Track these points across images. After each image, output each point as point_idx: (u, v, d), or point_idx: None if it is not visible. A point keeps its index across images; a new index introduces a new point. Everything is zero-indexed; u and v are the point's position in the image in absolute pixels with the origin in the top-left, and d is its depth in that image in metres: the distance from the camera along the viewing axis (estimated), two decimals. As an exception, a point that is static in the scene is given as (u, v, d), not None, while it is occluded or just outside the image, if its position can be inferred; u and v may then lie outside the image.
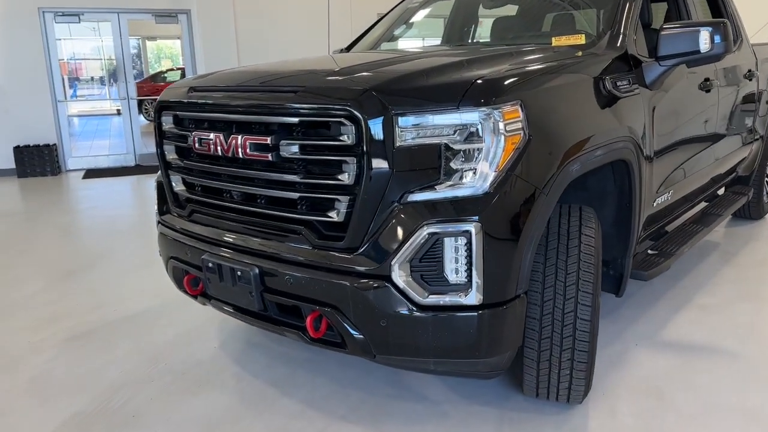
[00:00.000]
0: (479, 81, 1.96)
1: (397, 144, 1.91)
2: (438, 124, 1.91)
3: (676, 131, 3.07)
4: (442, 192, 1.92)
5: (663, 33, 2.68)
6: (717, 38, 2.63)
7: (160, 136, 2.61)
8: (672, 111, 2.99)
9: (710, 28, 2.63)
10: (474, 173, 1.92)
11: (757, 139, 4.55)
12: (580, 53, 2.59)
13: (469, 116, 1.91)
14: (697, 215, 3.84)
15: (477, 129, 1.92)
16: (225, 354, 3.00)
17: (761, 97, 4.40)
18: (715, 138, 3.64)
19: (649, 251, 3.19)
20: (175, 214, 2.62)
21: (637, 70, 2.69)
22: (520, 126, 1.97)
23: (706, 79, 3.35)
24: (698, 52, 2.64)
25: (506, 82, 2.01)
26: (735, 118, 3.92)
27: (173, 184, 2.61)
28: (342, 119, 1.93)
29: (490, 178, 1.92)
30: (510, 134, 1.94)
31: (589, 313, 2.15)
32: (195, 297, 2.56)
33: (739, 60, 3.97)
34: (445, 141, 1.91)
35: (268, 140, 2.08)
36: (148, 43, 19.15)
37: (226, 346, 3.07)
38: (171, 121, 2.54)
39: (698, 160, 3.45)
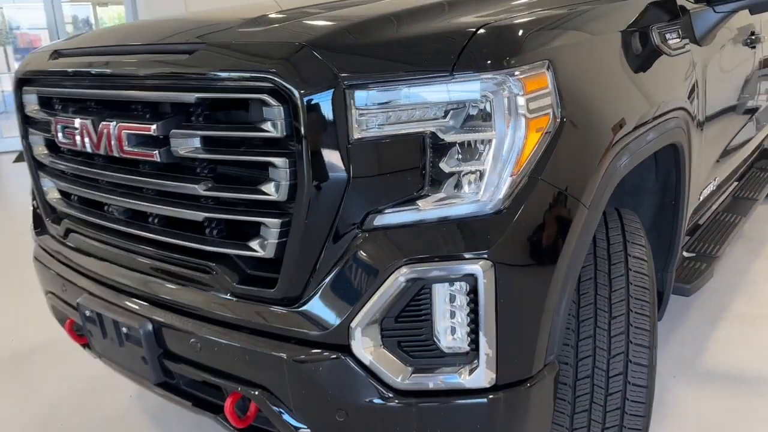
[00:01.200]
0: (484, 30, 1.21)
1: (355, 135, 1.17)
2: (419, 102, 1.18)
3: (726, 100, 2.38)
4: (429, 211, 1.19)
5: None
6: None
7: (24, 122, 1.83)
8: (722, 74, 2.29)
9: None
10: (479, 179, 1.20)
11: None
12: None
13: (470, 88, 1.17)
14: (728, 201, 3.18)
15: (483, 108, 1.19)
16: (142, 408, 2.28)
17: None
18: (755, 103, 2.97)
19: (685, 254, 2.53)
20: (51, 232, 1.86)
21: (684, 18, 1.97)
22: (549, 102, 1.24)
23: (752, 33, 2.66)
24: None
25: (527, 31, 1.27)
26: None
27: (45, 190, 1.84)
28: (263, 96, 1.18)
29: (505, 187, 1.20)
30: (534, 115, 1.22)
31: (644, 376, 1.47)
32: (84, 347, 1.82)
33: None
34: (432, 129, 1.18)
35: (152, 129, 1.32)
36: (99, 10, 17.81)
37: (144, 398, 2.34)
38: (35, 100, 1.76)
39: (743, 133, 2.78)
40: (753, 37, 2.63)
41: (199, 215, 1.34)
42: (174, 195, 1.39)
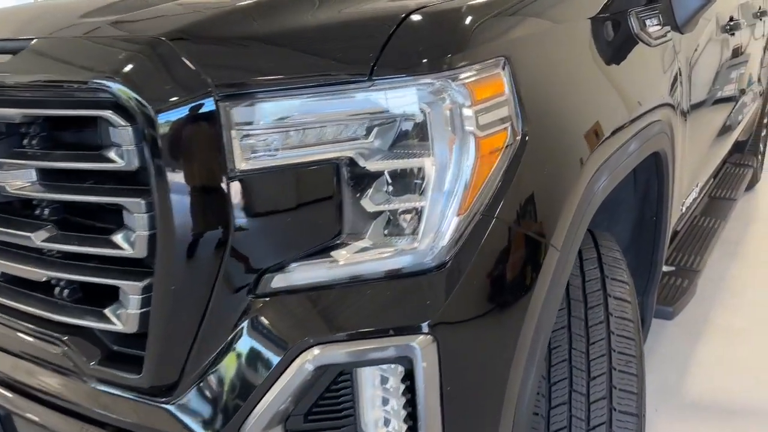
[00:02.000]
0: (415, 16, 0.89)
1: (238, 165, 0.84)
2: (329, 118, 0.85)
3: (710, 93, 2.11)
4: (347, 266, 0.87)
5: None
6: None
7: None
8: (705, 65, 2.01)
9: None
10: (415, 221, 0.88)
11: (756, 92, 3.68)
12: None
13: (397, 97, 0.85)
14: (705, 203, 2.93)
15: (416, 125, 0.87)
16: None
17: (765, 43, 3.52)
18: (735, 97, 2.72)
19: (664, 268, 2.26)
20: None
21: (663, 3, 1.68)
22: (507, 113, 0.93)
23: (731, 18, 2.39)
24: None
25: (476, 18, 0.94)
26: (749, 68, 3.01)
27: None
28: (105, 112, 0.83)
29: (450, 231, 0.88)
30: (487, 132, 0.90)
31: (633, 451, 1.18)
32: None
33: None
34: (349, 153, 0.86)
35: (-33, 160, 0.96)
36: None
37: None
38: None
39: (725, 128, 2.52)
40: (732, 23, 2.37)
41: (40, 273, 0.99)
42: (11, 246, 1.03)
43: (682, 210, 2.00)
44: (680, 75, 1.69)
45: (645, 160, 1.46)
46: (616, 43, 1.32)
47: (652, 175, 1.59)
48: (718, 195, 2.99)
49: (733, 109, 2.75)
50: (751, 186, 4.15)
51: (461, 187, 0.88)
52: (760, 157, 4.27)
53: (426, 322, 0.85)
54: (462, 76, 0.87)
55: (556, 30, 1.12)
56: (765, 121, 4.29)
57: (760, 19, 3.19)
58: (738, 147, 3.82)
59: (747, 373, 2.24)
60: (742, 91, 2.92)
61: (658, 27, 1.55)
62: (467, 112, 0.87)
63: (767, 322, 2.57)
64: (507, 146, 0.93)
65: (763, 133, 4.33)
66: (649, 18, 1.51)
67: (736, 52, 2.54)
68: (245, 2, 0.95)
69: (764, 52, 3.52)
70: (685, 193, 1.96)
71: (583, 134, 1.11)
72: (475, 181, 0.89)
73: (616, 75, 1.30)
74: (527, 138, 0.96)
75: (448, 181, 0.88)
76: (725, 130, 2.65)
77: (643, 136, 1.35)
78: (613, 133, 1.20)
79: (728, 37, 2.38)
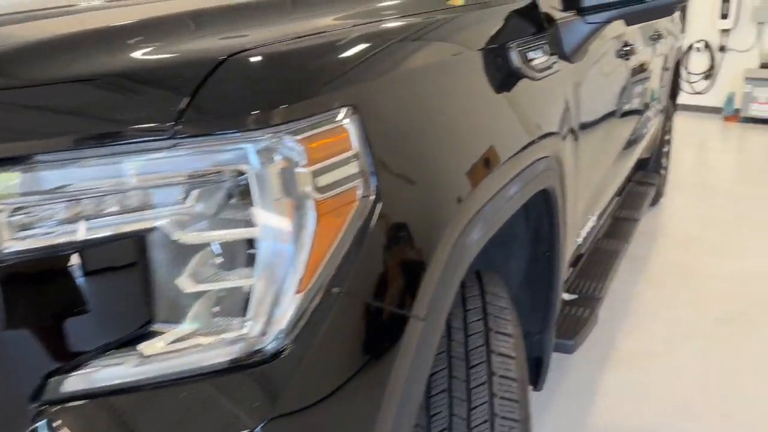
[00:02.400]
0: (235, 59, 0.74)
1: (6, 245, 0.67)
2: (126, 184, 0.70)
3: (606, 121, 2.09)
4: (159, 362, 0.72)
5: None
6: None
7: None
8: (597, 93, 1.98)
9: (661, -39, 1.62)
10: (242, 303, 0.75)
11: (658, 109, 3.78)
12: (459, 1, 1.47)
13: (214, 156, 0.71)
14: (609, 224, 2.95)
15: (240, 188, 0.74)
16: None
17: (666, 62, 3.62)
18: (635, 120, 2.75)
19: (565, 296, 2.22)
20: None
21: (551, 31, 1.62)
22: (357, 169, 0.81)
23: (626, 44, 2.40)
24: (643, 0, 1.63)
25: (311, 61, 0.82)
26: (648, 89, 3.06)
27: None
28: None
29: (287, 312, 0.75)
30: (330, 194, 0.77)
31: None
32: None
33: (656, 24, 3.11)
34: (158, 224, 0.71)
35: None
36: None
37: None
38: None
39: (625, 151, 2.53)
40: (627, 48, 2.38)
41: None
42: None
43: (578, 242, 1.96)
44: (571, 106, 1.64)
45: (534, 196, 1.39)
46: (494, 80, 1.23)
47: (542, 212, 1.52)
48: (622, 216, 3.02)
49: (634, 130, 2.78)
50: (655, 201, 4.26)
51: (300, 260, 0.75)
52: (663, 172, 4.41)
53: (259, 426, 0.71)
54: (295, 130, 0.74)
55: (421, 70, 1.01)
56: (666, 137, 4.43)
57: (657, 42, 3.27)
58: (641, 165, 3.91)
59: (655, 399, 2.23)
60: (642, 112, 2.96)
61: (545, 58, 1.49)
62: (303, 171, 0.74)
63: (673, 343, 2.58)
64: (356, 207, 0.81)
65: (666, 149, 4.47)
66: (534, 50, 1.44)
67: (634, 75, 2.56)
68: (14, 42, 0.78)
69: (662, 72, 3.61)
70: (580, 224, 1.92)
71: (451, 185, 1.00)
72: (317, 251, 0.77)
73: (494, 116, 1.21)
74: (382, 196, 0.84)
75: (284, 253, 0.75)
76: (626, 150, 2.66)
77: (526, 177, 1.27)
78: (489, 178, 1.10)
79: (624, 61, 2.39)
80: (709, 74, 7.85)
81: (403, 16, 1.12)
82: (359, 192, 0.81)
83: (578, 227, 1.90)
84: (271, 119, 0.73)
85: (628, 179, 3.61)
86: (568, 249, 1.77)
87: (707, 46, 7.77)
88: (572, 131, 1.65)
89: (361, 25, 0.98)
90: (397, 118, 0.91)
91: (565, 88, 1.60)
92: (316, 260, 0.77)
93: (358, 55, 0.88)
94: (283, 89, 0.76)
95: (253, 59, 0.76)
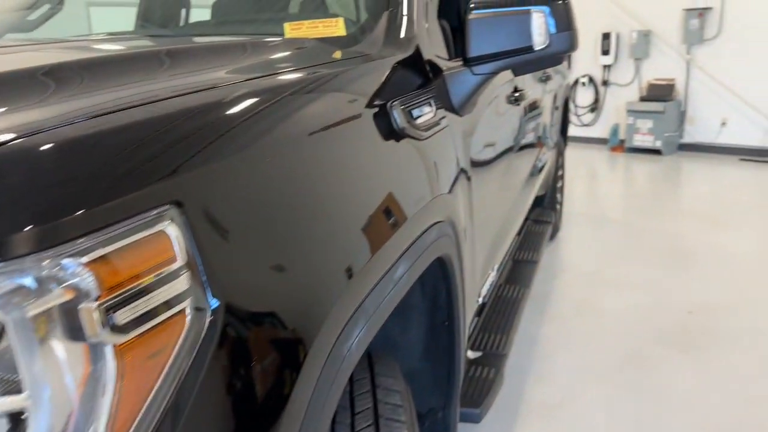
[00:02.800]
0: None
1: None
2: None
3: (498, 173, 2.00)
4: None
5: (472, 17, 1.54)
6: (557, 25, 1.56)
7: None
8: (490, 145, 1.89)
9: (546, 9, 1.55)
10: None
11: (550, 147, 3.83)
12: (338, 54, 1.32)
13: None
14: (509, 268, 2.89)
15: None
16: None
17: (556, 100, 3.68)
18: (530, 162, 2.71)
19: (470, 354, 2.09)
20: None
21: (437, 83, 1.51)
22: (185, 286, 0.61)
23: (516, 89, 2.35)
24: (530, 49, 1.55)
25: (117, 143, 0.62)
26: (540, 130, 3.06)
27: None
28: None
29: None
30: (141, 330, 0.57)
31: None
32: None
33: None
34: None
35: None
36: None
37: None
38: None
39: (520, 198, 2.47)
40: (517, 94, 2.33)
41: None
42: None
43: (479, 301, 1.84)
44: (462, 162, 1.52)
45: (429, 265, 1.24)
46: (374, 146, 1.08)
47: (438, 280, 1.38)
48: (522, 258, 2.97)
49: (529, 172, 2.75)
50: (553, 236, 4.31)
51: (99, 422, 0.55)
52: (558, 207, 4.48)
53: None
54: (79, 251, 0.54)
55: (280, 143, 0.84)
56: (560, 173, 4.52)
57: (546, 82, 3.30)
58: (538, 201, 3.94)
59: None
60: (536, 153, 2.95)
61: (431, 114, 1.36)
62: (90, 307, 0.54)
63: (580, 389, 2.52)
64: (183, 340, 0.61)
65: (559, 184, 4.56)
66: (419, 106, 1.31)
67: (525, 118, 2.53)
68: None
69: (553, 111, 3.67)
70: (480, 283, 1.80)
71: (321, 280, 0.83)
72: (126, 409, 0.56)
73: (374, 188, 1.05)
74: (223, 313, 0.65)
75: (72, 423, 0.53)
76: (522, 193, 2.62)
77: (416, 250, 1.12)
78: (371, 263, 0.94)
79: (515, 106, 2.34)
80: (595, 107, 8.27)
81: (260, 77, 0.95)
82: (189, 317, 0.62)
83: (478, 287, 1.79)
84: (38, 240, 0.52)
85: (526, 218, 3.61)
86: (469, 313, 1.64)
87: (591, 80, 8.20)
88: (465, 188, 1.54)
89: (193, 92, 0.79)
90: (243, 208, 0.72)
91: (455, 144, 1.48)
92: (124, 422, 0.56)
93: (184, 134, 0.69)
94: (63, 195, 0.56)
95: (13, 152, 0.56)
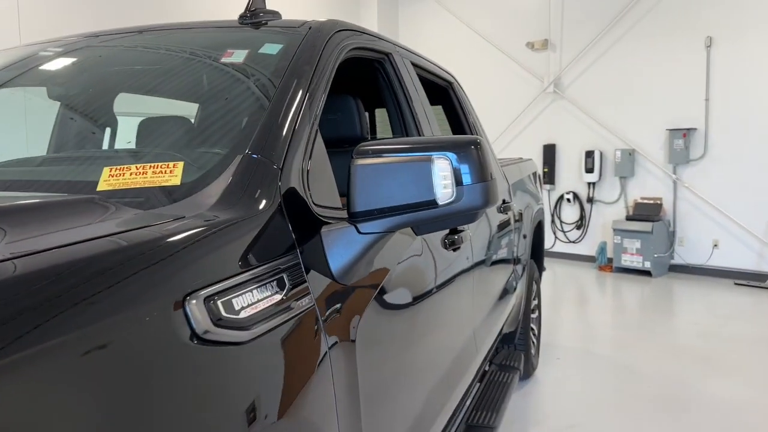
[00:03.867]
0: None
1: None
2: None
3: (421, 337, 1.61)
4: None
5: (358, 164, 1.21)
6: (467, 175, 1.23)
7: None
8: (401, 303, 1.51)
9: (452, 156, 1.23)
10: None
11: (519, 280, 3.45)
12: (135, 221, 0.97)
13: None
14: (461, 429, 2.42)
15: None
16: None
17: (518, 229, 3.35)
18: (482, 304, 2.32)
19: None
20: None
21: (310, 245, 1.16)
22: None
23: (453, 231, 2.02)
24: (433, 203, 1.21)
25: None
26: (494, 268, 2.70)
27: None
28: None
29: None
30: None
31: None
32: None
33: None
34: None
35: None
36: None
37: None
38: None
39: (465, 351, 2.06)
40: (455, 237, 1.99)
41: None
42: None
43: None
44: (328, 341, 1.14)
45: None
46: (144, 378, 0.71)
47: None
48: (477, 420, 2.51)
49: (484, 314, 2.35)
50: (527, 376, 3.85)
51: None
52: (534, 342, 4.04)
53: None
54: None
55: None
56: (535, 302, 4.13)
57: (505, 212, 2.99)
58: (505, 339, 3.52)
59: None
60: (493, 296, 2.57)
61: (275, 298, 1.00)
62: None
63: None
64: None
65: (535, 315, 4.15)
66: (256, 289, 0.95)
67: (469, 261, 2.17)
68: None
69: (519, 241, 3.33)
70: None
71: None
72: None
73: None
74: None
75: None
76: (471, 342, 2.21)
77: None
78: None
79: (451, 254, 1.99)
80: (581, 224, 8.01)
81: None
82: None
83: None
84: None
85: (489, 361, 3.17)
86: None
87: (576, 197, 8.00)
88: (344, 375, 1.14)
89: None
90: None
91: (320, 325, 1.10)
92: None
93: None
94: None
95: None
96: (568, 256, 8.14)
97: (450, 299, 1.91)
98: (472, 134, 3.01)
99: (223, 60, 1.61)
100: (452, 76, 3.03)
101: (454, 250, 1.98)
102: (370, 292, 1.31)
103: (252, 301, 0.93)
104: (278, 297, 0.99)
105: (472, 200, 1.23)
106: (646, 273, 7.11)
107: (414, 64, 2.37)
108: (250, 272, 0.96)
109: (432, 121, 2.29)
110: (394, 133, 2.33)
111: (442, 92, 3.01)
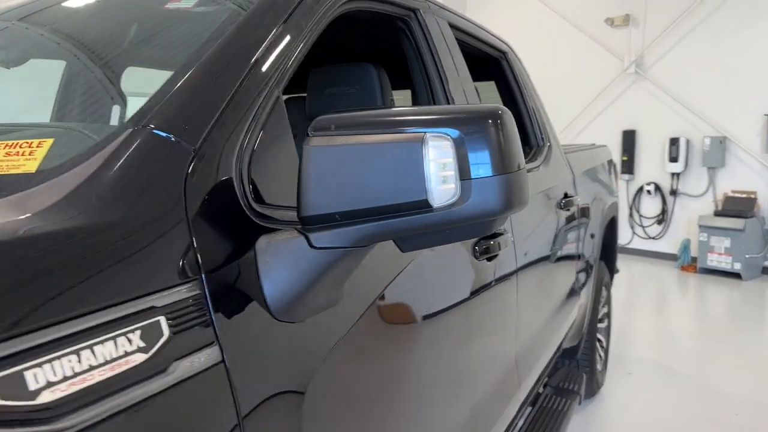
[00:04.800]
0: None
1: None
2: None
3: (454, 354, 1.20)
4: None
5: (314, 142, 0.82)
6: (479, 165, 0.81)
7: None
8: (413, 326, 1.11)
9: (453, 133, 0.81)
10: None
11: (583, 288, 2.95)
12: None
13: None
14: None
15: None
16: None
17: (584, 227, 2.84)
18: (516, 338, 1.88)
19: None
20: None
21: (233, 265, 0.78)
22: None
23: (493, 237, 1.58)
24: (425, 206, 0.80)
25: None
26: (548, 278, 2.24)
27: None
28: None
29: None
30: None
31: None
32: None
33: (548, 181, 2.35)
34: None
35: None
36: None
37: None
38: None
39: (515, 369, 1.63)
40: (492, 242, 1.55)
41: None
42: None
43: None
44: (242, 407, 0.75)
45: None
46: None
47: None
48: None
49: (537, 329, 1.91)
50: (590, 395, 3.36)
51: None
52: (601, 356, 3.53)
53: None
54: None
55: None
56: (604, 310, 3.60)
57: (566, 209, 2.50)
58: (566, 353, 3.04)
59: None
60: (547, 312, 2.12)
61: (144, 353, 0.62)
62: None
63: None
64: None
65: (604, 324, 3.63)
66: (108, 340, 0.57)
67: (508, 276, 1.73)
68: None
69: (585, 242, 2.84)
70: None
71: None
72: None
73: None
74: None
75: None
76: (525, 361, 1.78)
77: None
78: None
79: (480, 261, 1.56)
80: (662, 219, 7.27)
81: None
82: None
83: None
84: None
85: (545, 383, 2.72)
86: None
87: (658, 189, 7.26)
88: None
89: None
90: None
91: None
92: None
93: None
94: None
95: None
96: (646, 254, 7.42)
97: (480, 327, 1.49)
98: (531, 120, 2.53)
99: None
100: (507, 44, 2.55)
101: (489, 259, 1.55)
102: (335, 333, 0.91)
103: (78, 369, 0.56)
104: (140, 357, 0.61)
105: (484, 201, 0.80)
106: (735, 275, 6.33)
107: (453, 27, 1.92)
108: (86, 318, 0.58)
109: (474, 102, 1.85)
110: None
111: (495, 65, 2.55)
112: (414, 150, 0.79)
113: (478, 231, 0.85)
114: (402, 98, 3.18)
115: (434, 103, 1.70)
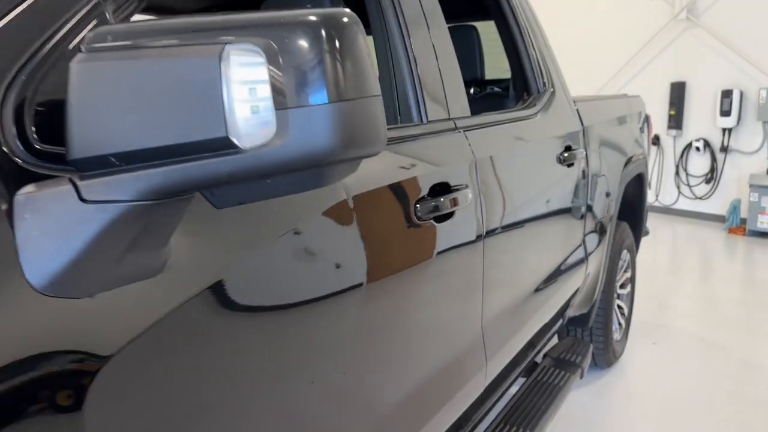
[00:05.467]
0: None
1: None
2: None
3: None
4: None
5: (83, 62, 0.61)
6: (303, 89, 0.59)
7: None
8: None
9: (270, 45, 0.59)
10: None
11: (593, 252, 2.67)
12: None
13: None
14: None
15: None
16: None
17: (592, 186, 2.55)
18: (483, 308, 1.65)
19: None
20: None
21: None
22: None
23: (439, 188, 1.35)
24: (231, 145, 0.59)
25: None
26: (535, 241, 1.99)
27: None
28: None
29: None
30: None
31: None
32: None
33: (544, 131, 2.07)
34: None
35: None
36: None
37: None
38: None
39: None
40: (442, 199, 1.32)
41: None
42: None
43: None
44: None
45: None
46: None
47: None
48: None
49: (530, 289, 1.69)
50: (606, 365, 3.11)
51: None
52: (622, 324, 3.26)
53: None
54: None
55: None
56: (627, 275, 3.32)
57: (567, 164, 2.23)
58: (575, 321, 2.79)
59: None
60: (538, 277, 1.89)
61: None
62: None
63: None
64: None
65: (626, 291, 3.34)
66: None
67: (492, 242, 1.50)
68: None
69: (598, 201, 2.55)
70: None
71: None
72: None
73: None
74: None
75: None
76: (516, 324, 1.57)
77: None
78: None
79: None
80: (711, 178, 6.77)
81: None
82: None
83: None
84: None
85: (544, 354, 2.49)
86: None
87: (708, 145, 6.73)
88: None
89: None
90: None
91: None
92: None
93: None
94: None
95: None
96: (692, 215, 6.95)
97: (422, 302, 1.27)
98: (532, 69, 2.24)
99: None
100: (503, -24, 2.24)
101: (439, 220, 1.32)
102: (150, 314, 0.72)
103: None
104: None
105: (308, 138, 0.59)
106: (789, 239, 5.86)
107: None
108: None
109: (447, 54, 1.58)
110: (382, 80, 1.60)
111: (492, 1, 2.25)
112: (209, 68, 0.58)
113: (309, 182, 0.64)
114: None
115: (392, 54, 1.46)
